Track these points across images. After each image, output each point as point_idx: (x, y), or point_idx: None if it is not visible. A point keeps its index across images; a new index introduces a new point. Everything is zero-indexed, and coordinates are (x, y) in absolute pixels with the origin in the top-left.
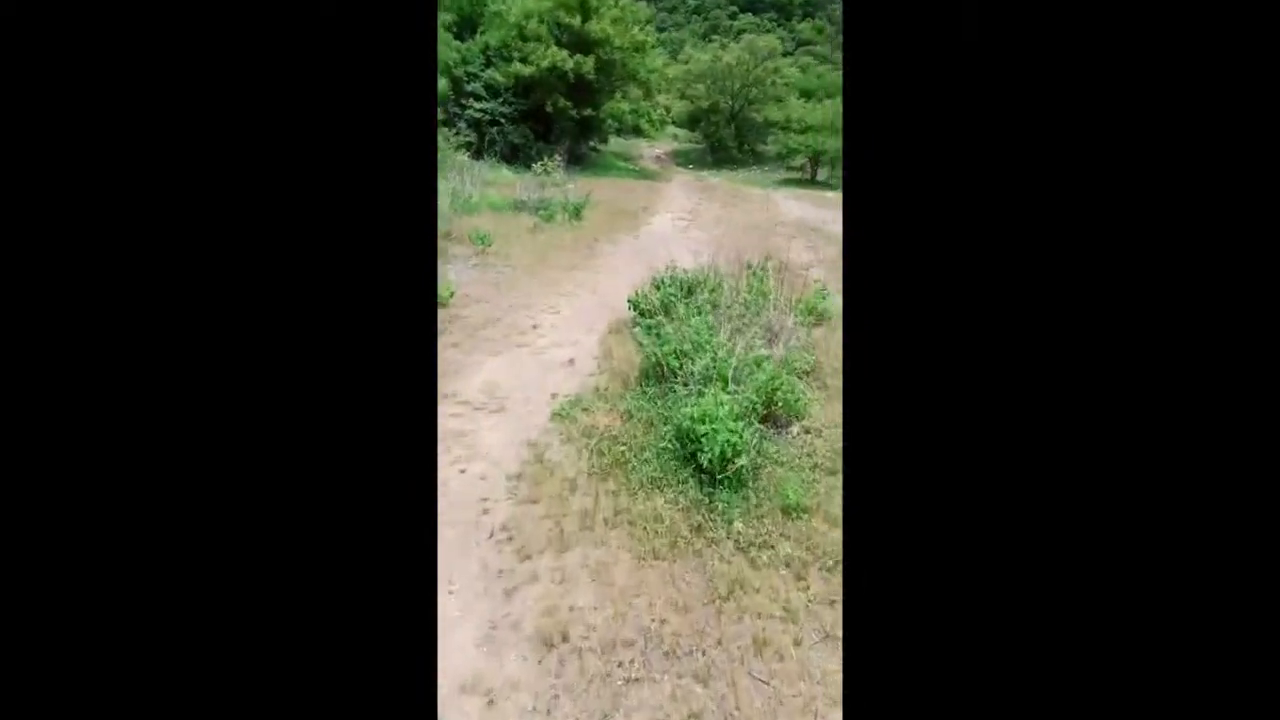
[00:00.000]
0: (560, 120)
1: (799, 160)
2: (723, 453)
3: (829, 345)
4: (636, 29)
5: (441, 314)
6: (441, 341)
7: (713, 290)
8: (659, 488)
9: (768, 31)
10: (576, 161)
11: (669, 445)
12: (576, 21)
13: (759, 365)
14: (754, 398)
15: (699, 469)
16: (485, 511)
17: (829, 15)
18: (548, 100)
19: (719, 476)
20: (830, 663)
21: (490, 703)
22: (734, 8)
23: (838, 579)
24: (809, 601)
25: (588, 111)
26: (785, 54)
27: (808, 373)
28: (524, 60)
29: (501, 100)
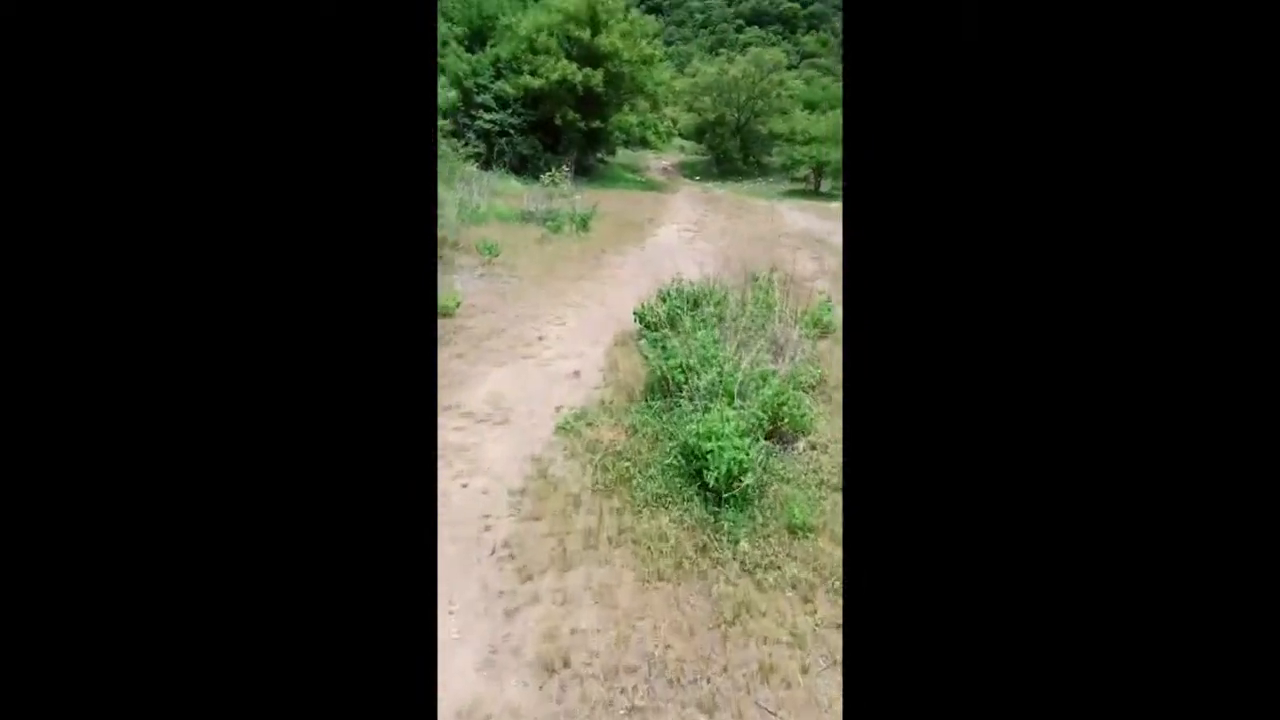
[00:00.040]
0: (568, 132)
1: (803, 172)
2: (729, 470)
3: (834, 358)
4: (645, 42)
5: (447, 324)
6: (447, 352)
7: (718, 303)
8: (664, 505)
9: (773, 45)
10: (584, 173)
11: (674, 461)
12: (586, 35)
13: (765, 380)
14: (760, 413)
15: (704, 486)
16: (487, 528)
17: (833, 29)
18: (556, 112)
19: (725, 495)
20: (839, 690)
21: None
22: (740, 21)
23: None
24: (816, 625)
25: (596, 123)
26: (790, 67)
27: (813, 387)
28: (533, 72)
29: (511, 111)
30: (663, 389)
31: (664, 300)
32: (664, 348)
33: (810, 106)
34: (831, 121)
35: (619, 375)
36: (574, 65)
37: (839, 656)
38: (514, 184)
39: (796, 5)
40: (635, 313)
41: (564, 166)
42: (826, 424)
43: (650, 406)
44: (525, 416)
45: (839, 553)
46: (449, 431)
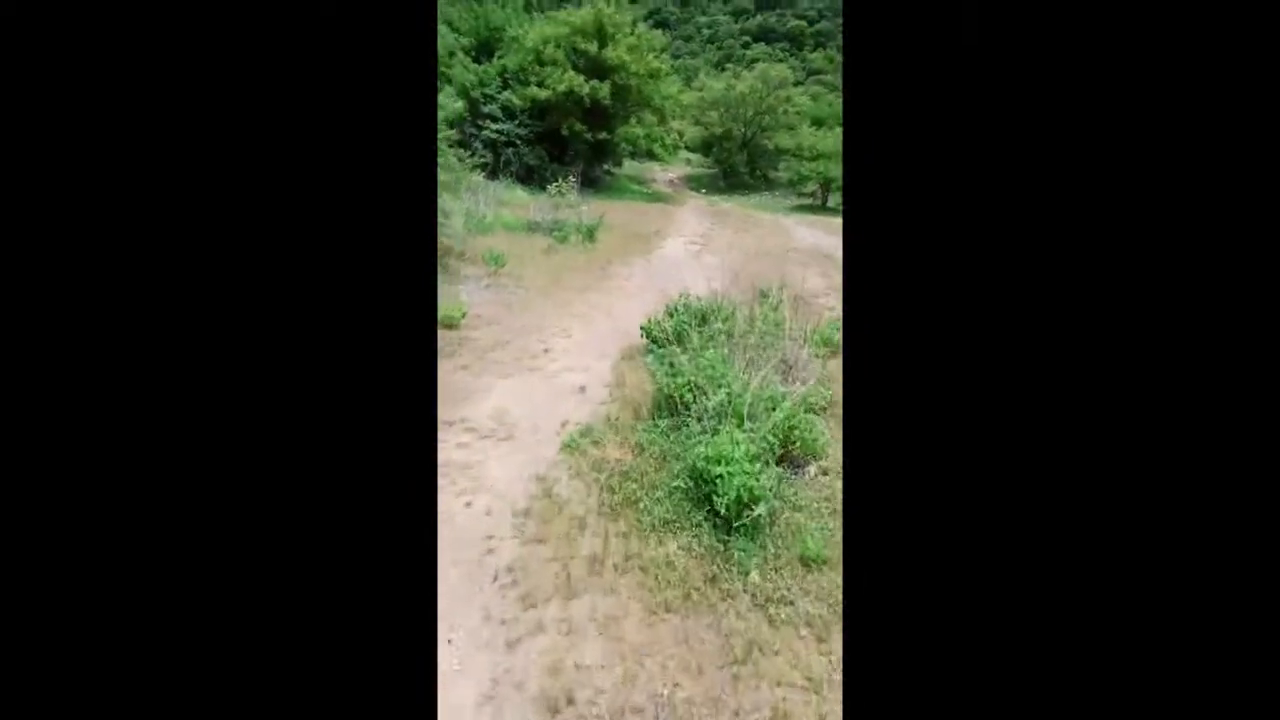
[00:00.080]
0: (575, 143)
1: (810, 186)
2: (739, 497)
3: None
4: (652, 56)
5: (452, 335)
6: (451, 364)
7: (726, 319)
8: (671, 531)
9: (780, 61)
10: (590, 184)
11: (682, 484)
12: (593, 48)
13: (775, 403)
14: (770, 437)
15: (713, 512)
16: (490, 550)
17: (839, 46)
18: (563, 123)
19: (735, 524)
20: None
21: None
22: (747, 37)
23: None
24: (832, 668)
25: (602, 135)
26: (797, 83)
27: (824, 409)
28: (541, 84)
29: (518, 122)
30: (670, 407)
31: (671, 315)
32: (671, 365)
33: (817, 122)
34: (838, 137)
35: (625, 391)
36: (581, 77)
37: None
38: (520, 194)
39: (803, 23)
40: (643, 327)
41: (570, 177)
42: (837, 448)
43: (657, 425)
44: (530, 432)
45: None
46: (453, 448)
